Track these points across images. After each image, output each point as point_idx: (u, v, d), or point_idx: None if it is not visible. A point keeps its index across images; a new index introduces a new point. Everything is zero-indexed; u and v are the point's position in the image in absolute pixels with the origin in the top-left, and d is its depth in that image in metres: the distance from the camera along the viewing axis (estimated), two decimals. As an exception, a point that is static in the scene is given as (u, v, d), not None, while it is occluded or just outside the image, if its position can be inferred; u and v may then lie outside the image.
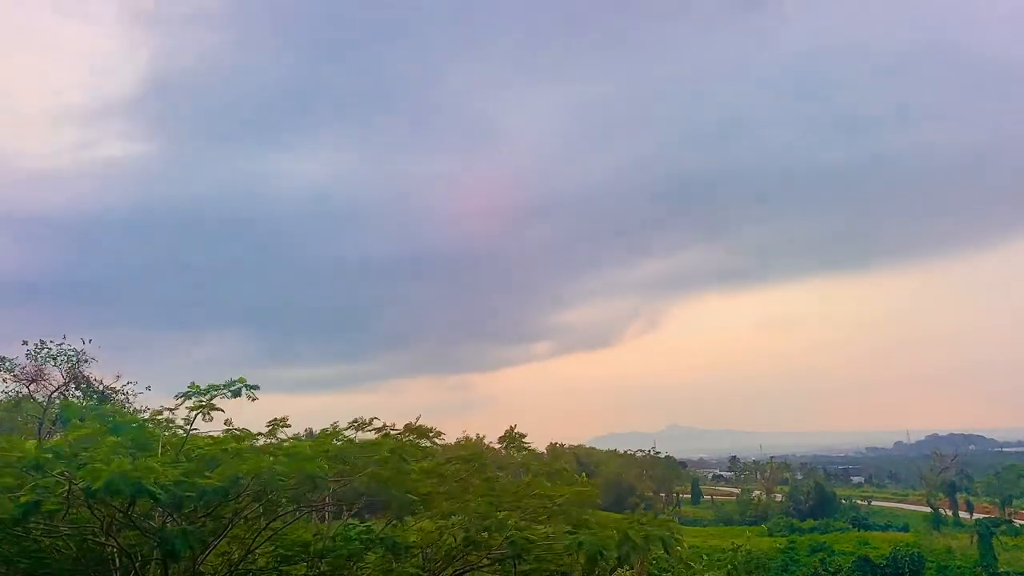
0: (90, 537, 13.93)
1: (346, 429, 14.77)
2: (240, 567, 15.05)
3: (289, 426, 15.01)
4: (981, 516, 77.00)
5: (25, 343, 36.06)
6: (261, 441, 14.73)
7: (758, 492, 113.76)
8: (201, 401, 12.06)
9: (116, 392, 37.18)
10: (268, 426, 14.75)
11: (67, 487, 10.97)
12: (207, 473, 11.93)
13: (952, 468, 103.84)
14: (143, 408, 28.81)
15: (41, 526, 13.05)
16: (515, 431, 15.91)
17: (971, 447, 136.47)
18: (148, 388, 36.94)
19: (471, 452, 17.08)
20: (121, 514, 12.18)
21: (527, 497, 15.25)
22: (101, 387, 37.19)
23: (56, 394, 37.03)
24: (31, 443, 13.20)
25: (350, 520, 18.42)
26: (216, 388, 12.08)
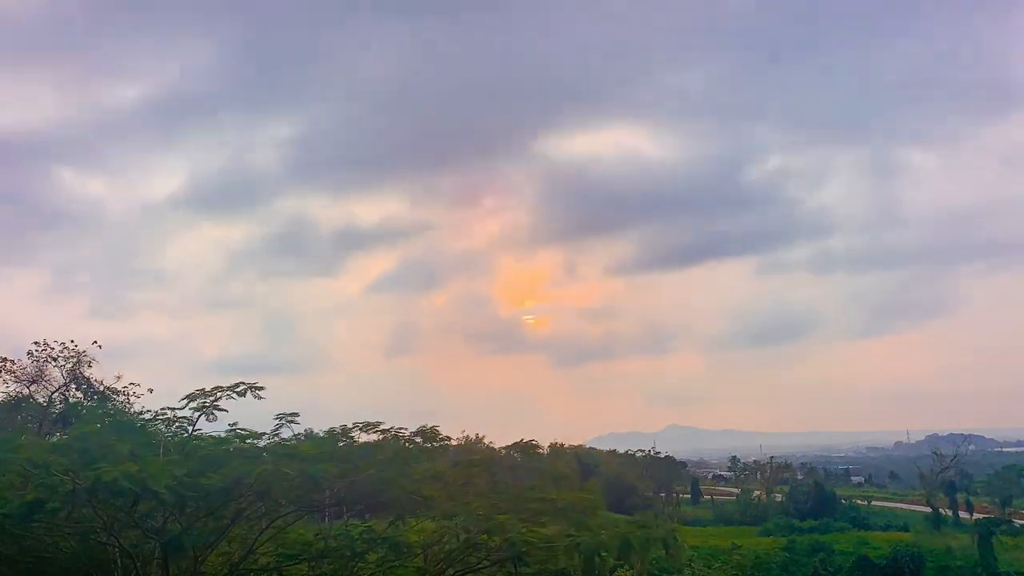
0: (92, 537, 13.99)
1: (352, 430, 14.85)
2: (241, 567, 15.10)
3: (297, 422, 15.08)
4: (981, 516, 76.96)
5: (36, 343, 36.25)
6: (264, 441, 14.80)
7: (758, 492, 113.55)
8: (205, 402, 12.15)
9: (117, 393, 37.15)
10: (276, 418, 14.80)
11: (71, 486, 11.02)
12: (209, 473, 12.00)
13: (952, 468, 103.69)
14: (144, 410, 28.84)
15: (44, 525, 13.10)
16: (528, 441, 16.14)
17: (971, 447, 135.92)
18: (150, 390, 36.86)
19: (479, 456, 17.20)
20: (123, 513, 12.25)
21: (529, 500, 15.33)
22: (102, 388, 37.19)
23: (56, 395, 37.07)
24: (36, 440, 13.28)
25: (351, 520, 18.49)
26: (221, 389, 12.17)
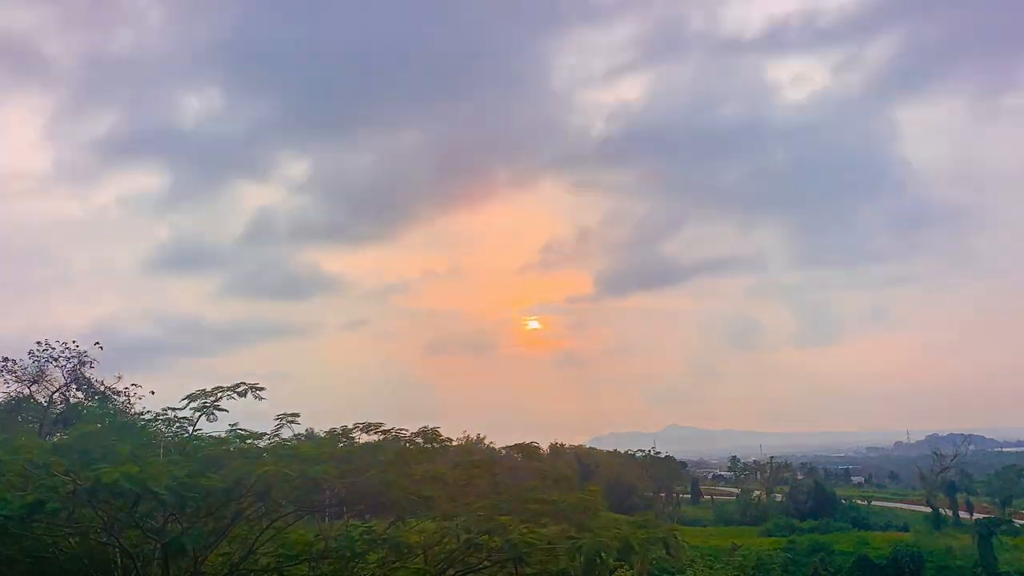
0: (92, 537, 13.99)
1: (352, 431, 14.85)
2: (242, 567, 15.10)
3: (298, 423, 15.07)
4: (981, 516, 76.96)
5: (38, 343, 36.30)
6: (264, 441, 14.80)
7: (758, 492, 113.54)
8: (206, 403, 12.14)
9: (118, 394, 37.14)
10: (277, 418, 14.81)
11: (71, 487, 11.02)
12: (209, 474, 12.00)
13: (952, 468, 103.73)
14: (145, 410, 28.87)
15: (44, 525, 13.10)
16: (529, 442, 16.28)
17: (971, 447, 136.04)
18: (152, 392, 36.83)
19: (479, 457, 17.22)
20: (124, 514, 12.24)
21: (530, 501, 15.33)
22: (103, 388, 37.18)
23: (57, 395, 37.09)
24: (37, 440, 13.27)
25: (352, 520, 18.49)
26: (222, 389, 12.16)
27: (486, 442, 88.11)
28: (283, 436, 15.91)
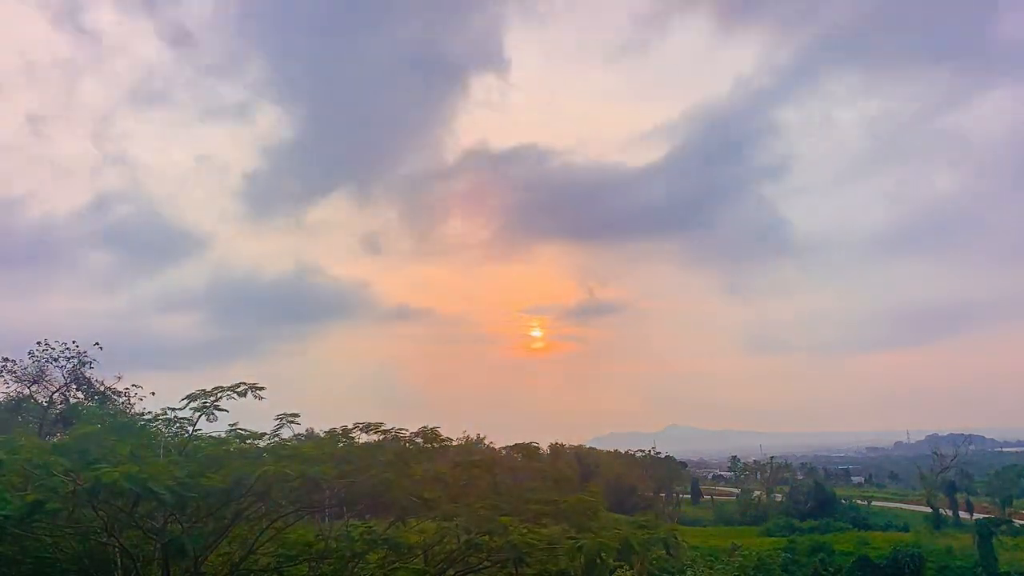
0: (93, 537, 13.98)
1: (352, 431, 14.84)
2: (242, 567, 15.09)
3: (298, 423, 15.07)
4: (981, 516, 76.95)
5: (38, 344, 36.32)
6: (264, 441, 14.80)
7: (758, 492, 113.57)
8: (206, 402, 12.13)
9: (118, 394, 37.13)
10: (277, 418, 14.79)
11: (71, 487, 11.01)
12: (209, 474, 12.00)
13: (952, 468, 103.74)
14: (145, 411, 28.84)
15: (44, 525, 13.09)
16: (529, 443, 16.31)
17: (971, 447, 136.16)
18: (153, 393, 36.79)
19: (479, 457, 17.20)
20: (124, 514, 12.24)
21: (531, 501, 15.33)
22: (103, 388, 37.17)
23: (57, 395, 37.09)
24: (37, 440, 13.27)
25: (352, 520, 18.48)
26: (221, 389, 12.15)
27: (486, 442, 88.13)
28: (283, 436, 15.92)
